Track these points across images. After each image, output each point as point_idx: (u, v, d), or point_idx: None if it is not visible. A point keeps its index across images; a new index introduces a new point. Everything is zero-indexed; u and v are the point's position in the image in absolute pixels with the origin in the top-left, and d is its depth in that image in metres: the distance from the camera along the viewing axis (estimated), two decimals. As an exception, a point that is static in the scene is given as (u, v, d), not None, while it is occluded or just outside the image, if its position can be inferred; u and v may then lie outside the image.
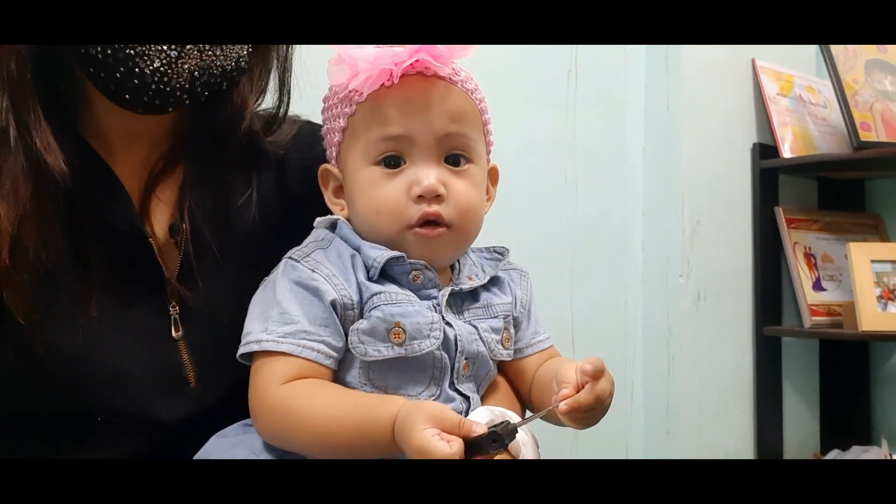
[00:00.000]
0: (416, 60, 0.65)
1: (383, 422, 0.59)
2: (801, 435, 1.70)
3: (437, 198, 0.66)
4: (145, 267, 0.70)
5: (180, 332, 0.71)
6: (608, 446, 1.52)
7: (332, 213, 0.73)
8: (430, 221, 0.66)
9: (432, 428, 0.56)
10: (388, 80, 0.65)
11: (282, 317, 0.64)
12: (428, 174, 0.66)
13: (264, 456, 0.64)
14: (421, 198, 0.66)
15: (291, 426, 0.62)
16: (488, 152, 0.73)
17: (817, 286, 1.66)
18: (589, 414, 0.62)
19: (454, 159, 0.68)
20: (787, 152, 1.62)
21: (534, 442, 0.68)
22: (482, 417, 0.63)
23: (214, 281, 0.72)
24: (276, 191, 0.78)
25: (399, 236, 0.67)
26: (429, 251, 0.67)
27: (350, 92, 0.67)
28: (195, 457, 0.66)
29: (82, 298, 0.67)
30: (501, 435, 0.57)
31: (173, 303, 0.71)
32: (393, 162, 0.67)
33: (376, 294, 0.65)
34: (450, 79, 0.67)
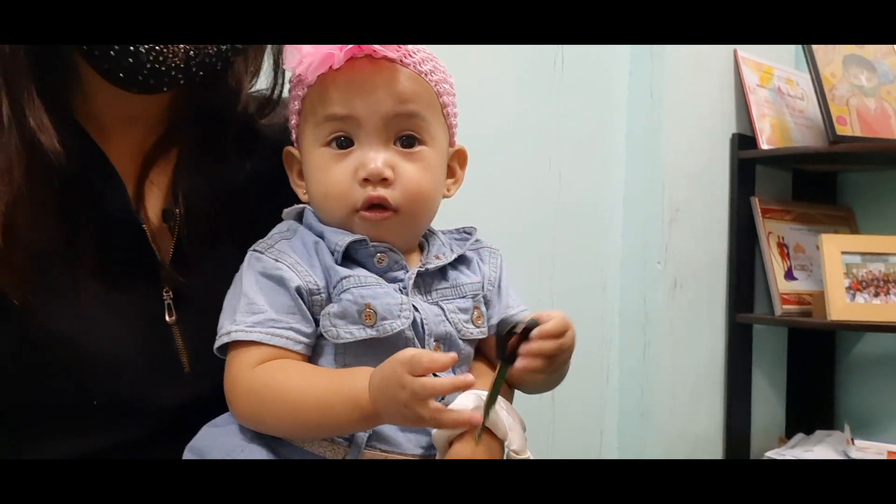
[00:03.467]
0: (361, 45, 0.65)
1: (358, 385, 0.60)
2: (767, 419, 1.75)
3: (384, 181, 0.66)
4: (139, 252, 0.70)
5: (174, 318, 0.71)
6: (584, 428, 1.56)
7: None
8: (375, 205, 0.67)
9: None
10: (333, 63, 0.65)
11: (249, 307, 0.65)
12: (375, 157, 0.66)
13: (254, 443, 0.65)
14: (366, 181, 0.66)
15: (268, 403, 0.62)
16: (452, 135, 0.73)
17: (789, 275, 1.70)
18: (550, 362, 0.64)
19: (406, 141, 0.68)
20: (764, 143, 1.65)
21: (521, 426, 0.70)
22: (469, 402, 0.64)
23: (208, 266, 0.72)
24: (271, 174, 0.78)
25: (348, 219, 0.67)
26: (377, 234, 0.67)
27: (301, 75, 0.68)
28: (187, 446, 0.67)
29: (75, 283, 0.67)
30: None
31: (167, 288, 0.71)
32: (344, 142, 0.67)
33: (345, 278, 0.65)
34: (400, 61, 0.67)
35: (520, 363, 0.62)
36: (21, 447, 0.67)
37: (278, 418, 0.63)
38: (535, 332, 0.62)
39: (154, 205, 0.72)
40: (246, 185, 0.76)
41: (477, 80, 1.35)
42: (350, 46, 0.65)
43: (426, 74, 0.69)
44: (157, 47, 0.63)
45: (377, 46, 0.66)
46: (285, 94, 0.79)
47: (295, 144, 0.73)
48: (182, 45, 0.64)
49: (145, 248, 0.70)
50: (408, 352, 0.58)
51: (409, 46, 0.68)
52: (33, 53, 0.65)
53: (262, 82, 0.78)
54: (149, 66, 0.63)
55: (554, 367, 0.65)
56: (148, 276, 0.70)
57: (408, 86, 0.67)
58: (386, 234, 0.68)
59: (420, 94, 0.68)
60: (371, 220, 0.66)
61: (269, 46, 0.76)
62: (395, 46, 0.67)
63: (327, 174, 0.67)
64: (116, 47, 0.62)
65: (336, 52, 0.65)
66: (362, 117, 0.66)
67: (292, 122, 0.72)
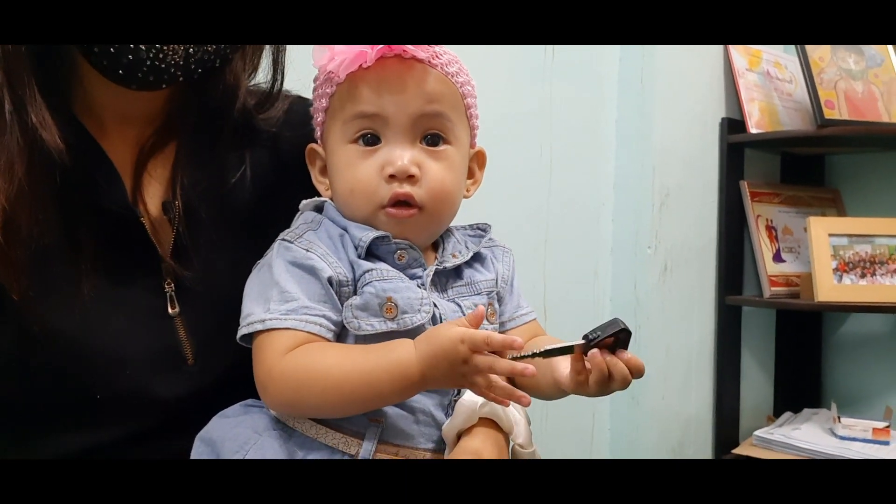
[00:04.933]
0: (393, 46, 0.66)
1: (403, 357, 0.61)
2: (756, 399, 1.78)
3: (410, 178, 0.67)
4: (139, 246, 0.70)
5: (177, 310, 0.71)
6: (576, 411, 1.58)
7: (319, 193, 0.74)
8: (401, 202, 0.67)
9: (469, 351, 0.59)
10: (364, 61, 0.66)
11: (282, 296, 0.65)
12: (402, 154, 0.67)
13: (266, 434, 0.66)
14: (393, 177, 0.67)
15: (309, 384, 0.63)
16: (473, 136, 0.74)
17: (777, 258, 1.72)
18: (596, 381, 0.63)
19: (432, 140, 0.69)
20: (753, 127, 1.66)
21: (526, 420, 0.71)
22: (478, 397, 0.65)
23: (209, 258, 0.73)
24: (270, 167, 0.79)
25: (373, 216, 0.68)
26: (400, 231, 0.68)
27: (330, 73, 0.69)
28: (198, 436, 0.68)
29: (74, 278, 0.67)
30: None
31: (168, 280, 0.71)
32: (371, 139, 0.68)
33: (368, 271, 0.66)
34: (429, 62, 0.68)
35: (595, 358, 0.62)
36: (25, 442, 0.68)
37: (321, 397, 0.63)
38: (627, 354, 0.63)
39: (154, 198, 0.73)
40: (244, 177, 0.76)
41: (467, 67, 1.35)
42: (381, 46, 0.66)
43: (452, 76, 0.70)
44: (156, 45, 0.63)
45: (407, 46, 0.66)
46: (284, 88, 0.79)
47: (318, 141, 0.73)
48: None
49: (145, 242, 0.71)
50: (459, 329, 0.59)
51: (436, 47, 0.69)
52: (34, 50, 0.64)
53: (260, 77, 0.78)
54: (148, 63, 0.63)
55: (580, 389, 0.65)
56: (149, 268, 0.71)
57: (435, 86, 0.68)
58: (410, 231, 0.69)
59: (446, 95, 0.69)
60: (397, 217, 0.67)
61: (267, 44, 0.76)
62: (423, 47, 0.68)
63: (354, 170, 0.68)
64: (116, 44, 0.62)
65: (367, 51, 0.66)
66: (390, 115, 0.67)
67: (318, 118, 0.72)
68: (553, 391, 0.68)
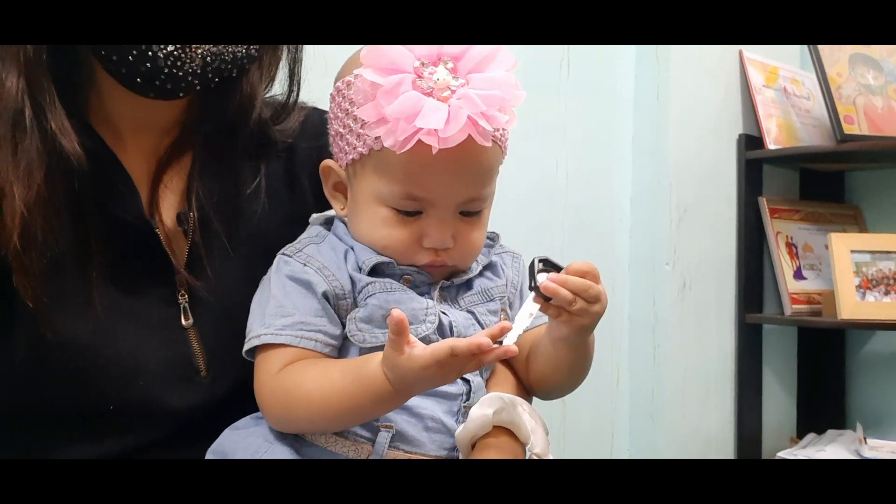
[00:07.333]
0: (464, 132, 0.60)
1: (373, 371, 0.60)
2: (779, 419, 1.74)
3: (445, 249, 0.67)
4: (153, 256, 0.70)
5: (190, 321, 0.71)
6: (594, 430, 1.55)
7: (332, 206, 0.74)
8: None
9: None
10: (432, 149, 0.60)
11: (278, 310, 0.65)
12: (443, 231, 0.66)
13: (277, 443, 0.65)
14: (430, 247, 0.67)
15: (291, 405, 0.63)
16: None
17: (798, 275, 1.70)
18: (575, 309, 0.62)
19: (471, 211, 0.68)
20: (771, 143, 1.65)
21: (543, 428, 0.70)
22: (493, 404, 0.65)
23: (224, 269, 0.73)
24: (285, 179, 0.79)
25: (403, 265, 0.68)
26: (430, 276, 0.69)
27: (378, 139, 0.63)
28: (209, 449, 0.67)
29: (88, 287, 0.67)
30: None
31: (182, 291, 0.71)
32: (412, 212, 0.67)
33: (370, 283, 0.66)
34: (493, 137, 0.64)
35: (547, 286, 0.61)
36: (35, 451, 0.67)
37: (308, 420, 0.64)
38: (564, 269, 0.63)
39: (169, 209, 0.73)
40: (259, 188, 0.76)
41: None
42: (452, 135, 0.60)
43: (501, 137, 0.68)
44: (174, 53, 0.63)
45: (477, 135, 0.61)
46: (300, 100, 0.79)
47: (341, 165, 0.70)
48: (199, 51, 0.64)
49: (159, 253, 0.70)
50: (425, 358, 0.58)
51: (500, 115, 0.63)
52: (54, 58, 0.65)
53: (277, 88, 0.78)
54: (165, 71, 0.64)
55: (577, 328, 0.64)
56: (163, 280, 0.71)
57: (489, 162, 0.67)
58: (437, 277, 0.69)
59: (494, 167, 0.68)
60: (430, 273, 0.68)
61: (283, 56, 0.76)
62: (495, 119, 0.62)
63: (390, 232, 0.67)
64: (134, 52, 0.63)
65: (433, 141, 0.59)
66: (438, 199, 0.65)
67: (342, 145, 0.69)
68: (568, 353, 0.68)
